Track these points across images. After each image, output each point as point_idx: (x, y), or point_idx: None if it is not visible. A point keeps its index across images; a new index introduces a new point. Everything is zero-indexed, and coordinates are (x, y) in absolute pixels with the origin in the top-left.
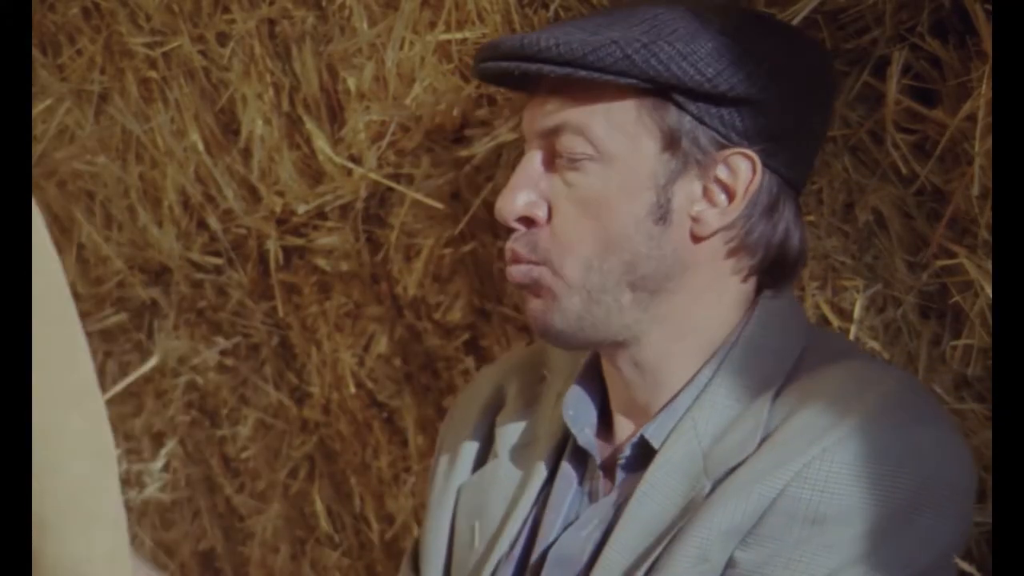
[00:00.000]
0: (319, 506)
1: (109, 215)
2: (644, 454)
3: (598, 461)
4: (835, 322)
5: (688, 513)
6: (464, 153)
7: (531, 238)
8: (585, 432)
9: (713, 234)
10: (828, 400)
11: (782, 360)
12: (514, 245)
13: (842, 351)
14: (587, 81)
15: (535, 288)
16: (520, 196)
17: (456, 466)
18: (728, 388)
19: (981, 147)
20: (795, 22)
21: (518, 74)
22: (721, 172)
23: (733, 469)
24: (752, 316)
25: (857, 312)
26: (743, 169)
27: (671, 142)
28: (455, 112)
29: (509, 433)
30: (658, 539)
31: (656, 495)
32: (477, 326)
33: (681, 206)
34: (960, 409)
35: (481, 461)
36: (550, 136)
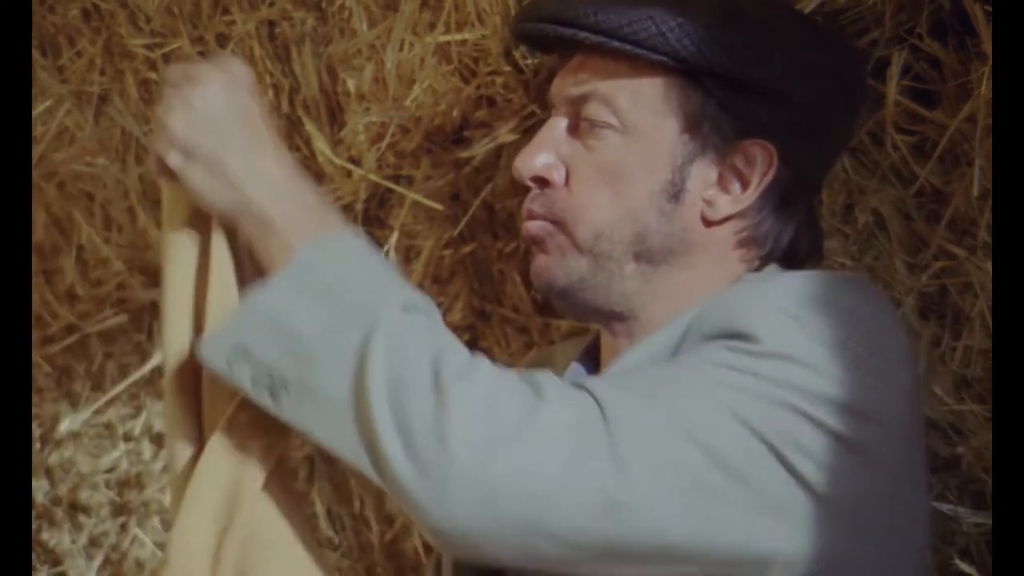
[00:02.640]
0: (319, 507)
1: (109, 217)
2: None
3: None
4: None
5: None
6: (464, 154)
7: (548, 198)
8: None
9: (724, 220)
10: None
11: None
12: (531, 204)
13: None
14: (619, 53)
15: (545, 245)
16: (540, 157)
17: None
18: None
19: (981, 148)
20: None
21: (554, 37)
22: (738, 160)
23: None
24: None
25: None
26: (760, 160)
27: (693, 124)
28: (455, 113)
29: None
30: None
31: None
32: (477, 327)
33: (695, 188)
34: (960, 410)
35: None
36: (577, 103)
